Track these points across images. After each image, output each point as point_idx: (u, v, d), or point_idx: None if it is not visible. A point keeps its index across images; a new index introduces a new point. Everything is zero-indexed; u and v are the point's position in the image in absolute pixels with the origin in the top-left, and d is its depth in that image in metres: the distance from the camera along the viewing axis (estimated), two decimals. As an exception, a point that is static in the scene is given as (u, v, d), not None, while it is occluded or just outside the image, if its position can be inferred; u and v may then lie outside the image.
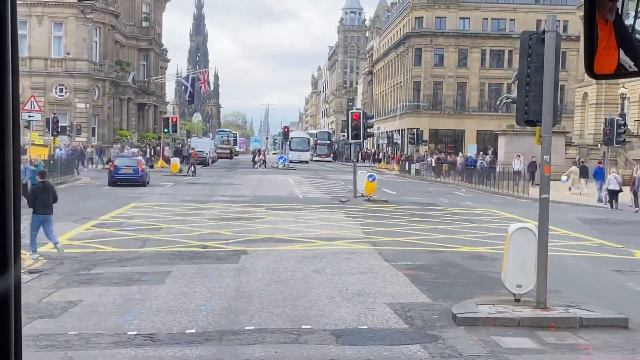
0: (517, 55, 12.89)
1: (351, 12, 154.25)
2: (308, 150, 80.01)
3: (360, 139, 28.27)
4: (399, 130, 79.61)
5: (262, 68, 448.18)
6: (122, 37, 66.15)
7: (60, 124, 42.33)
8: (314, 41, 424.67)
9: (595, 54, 1.91)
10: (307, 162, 76.13)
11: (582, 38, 2.00)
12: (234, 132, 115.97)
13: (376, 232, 19.28)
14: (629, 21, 1.89)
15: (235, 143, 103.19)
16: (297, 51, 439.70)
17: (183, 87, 69.33)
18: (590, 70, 1.93)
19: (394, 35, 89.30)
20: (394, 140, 72.74)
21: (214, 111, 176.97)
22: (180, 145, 64.09)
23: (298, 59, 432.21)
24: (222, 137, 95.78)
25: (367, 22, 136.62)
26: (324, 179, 46.97)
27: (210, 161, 66.79)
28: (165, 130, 48.69)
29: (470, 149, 70.34)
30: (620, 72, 1.92)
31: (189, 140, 75.74)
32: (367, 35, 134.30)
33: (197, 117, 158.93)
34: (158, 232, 18.58)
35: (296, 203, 27.39)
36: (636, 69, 1.88)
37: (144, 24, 71.81)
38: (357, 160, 37.76)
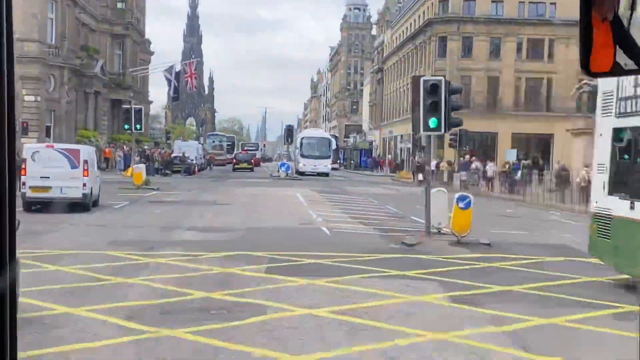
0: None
1: (355, 9, 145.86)
2: (328, 157, 57.34)
3: (440, 129, 16.46)
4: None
5: (257, 76, 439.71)
6: (92, 20, 54.77)
7: None
8: (309, 49, 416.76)
9: (591, 52, 1.91)
10: (327, 174, 55.68)
11: (577, 36, 1.99)
12: (229, 135, 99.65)
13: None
14: (625, 19, 1.90)
15: (232, 149, 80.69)
16: (292, 59, 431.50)
17: (167, 80, 57.85)
18: (586, 68, 1.94)
19: (411, 24, 77.92)
20: (422, 144, 60.99)
21: (208, 116, 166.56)
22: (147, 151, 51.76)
23: (293, 66, 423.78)
24: (213, 141, 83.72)
25: (373, 19, 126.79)
26: (343, 193, 34.58)
27: (196, 169, 55.51)
28: (126, 127, 35.29)
29: (509, 154, 58.76)
30: (617, 70, 1.94)
31: (168, 142, 63.32)
32: (372, 33, 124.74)
33: (192, 123, 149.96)
34: None
35: (322, 248, 14.73)
36: (633, 67, 1.90)
37: (119, 5, 60.33)
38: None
